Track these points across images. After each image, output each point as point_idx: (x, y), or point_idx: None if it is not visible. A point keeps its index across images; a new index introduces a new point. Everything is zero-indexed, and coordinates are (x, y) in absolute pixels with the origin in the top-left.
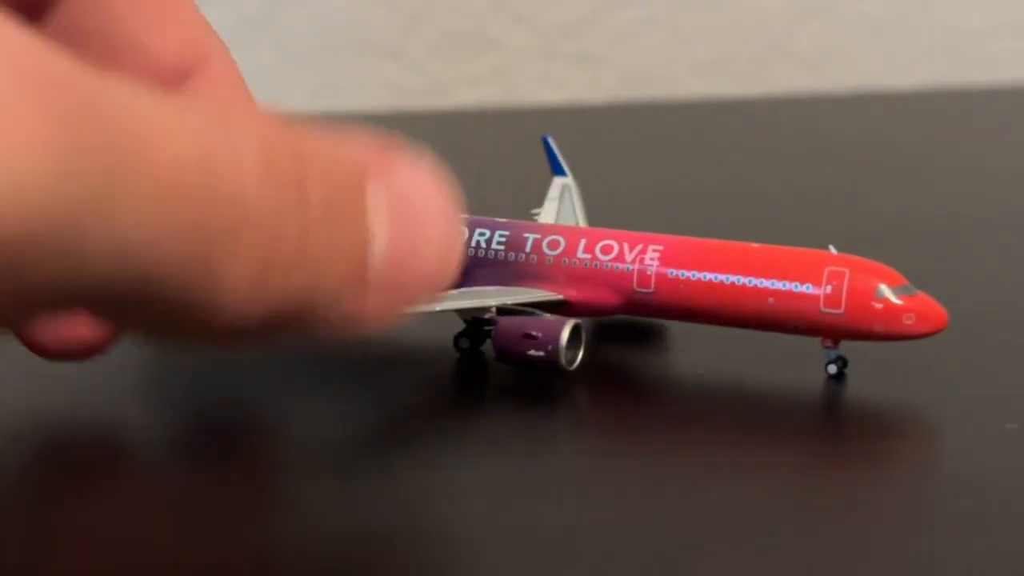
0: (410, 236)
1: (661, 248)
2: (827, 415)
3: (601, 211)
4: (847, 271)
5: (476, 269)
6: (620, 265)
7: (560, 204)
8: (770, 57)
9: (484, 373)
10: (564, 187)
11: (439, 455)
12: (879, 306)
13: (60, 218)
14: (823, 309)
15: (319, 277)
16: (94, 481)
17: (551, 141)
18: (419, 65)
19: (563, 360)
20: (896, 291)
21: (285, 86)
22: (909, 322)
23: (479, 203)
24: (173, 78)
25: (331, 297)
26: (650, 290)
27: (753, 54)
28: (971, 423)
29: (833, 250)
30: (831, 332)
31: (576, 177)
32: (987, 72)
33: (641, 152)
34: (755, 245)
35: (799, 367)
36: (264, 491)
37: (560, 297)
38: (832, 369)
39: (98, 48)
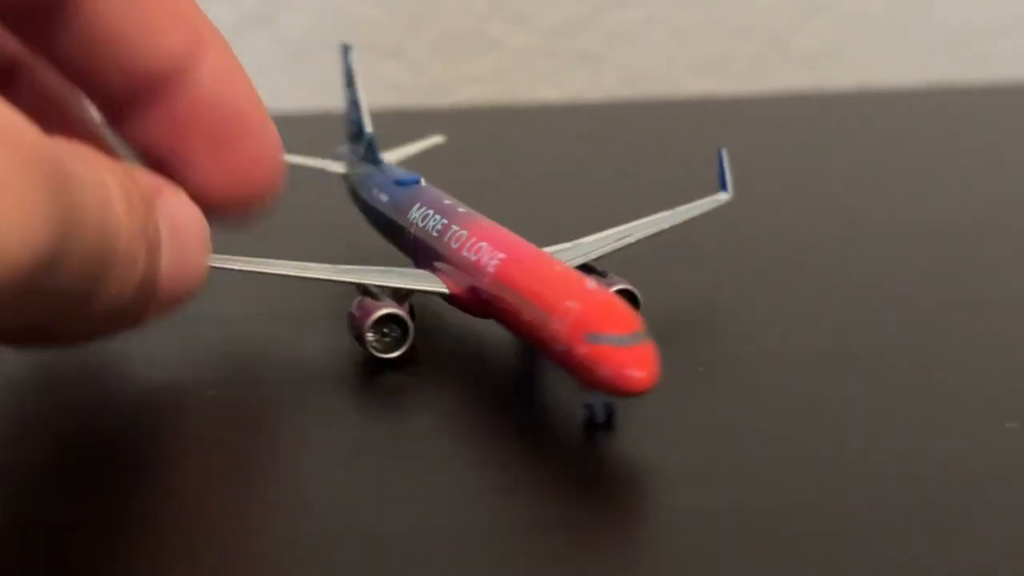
0: (182, 255)
1: (503, 256)
2: (818, 410)
3: (601, 210)
4: (575, 305)
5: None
6: (479, 264)
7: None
8: (770, 56)
9: None
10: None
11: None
12: (583, 350)
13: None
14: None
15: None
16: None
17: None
18: (419, 64)
19: (368, 347)
20: (613, 338)
21: (284, 85)
22: (607, 373)
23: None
24: (173, 71)
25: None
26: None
27: (753, 53)
28: (971, 422)
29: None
30: (566, 369)
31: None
32: (988, 71)
33: (641, 151)
34: (558, 265)
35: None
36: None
37: (444, 290)
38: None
39: (100, 51)
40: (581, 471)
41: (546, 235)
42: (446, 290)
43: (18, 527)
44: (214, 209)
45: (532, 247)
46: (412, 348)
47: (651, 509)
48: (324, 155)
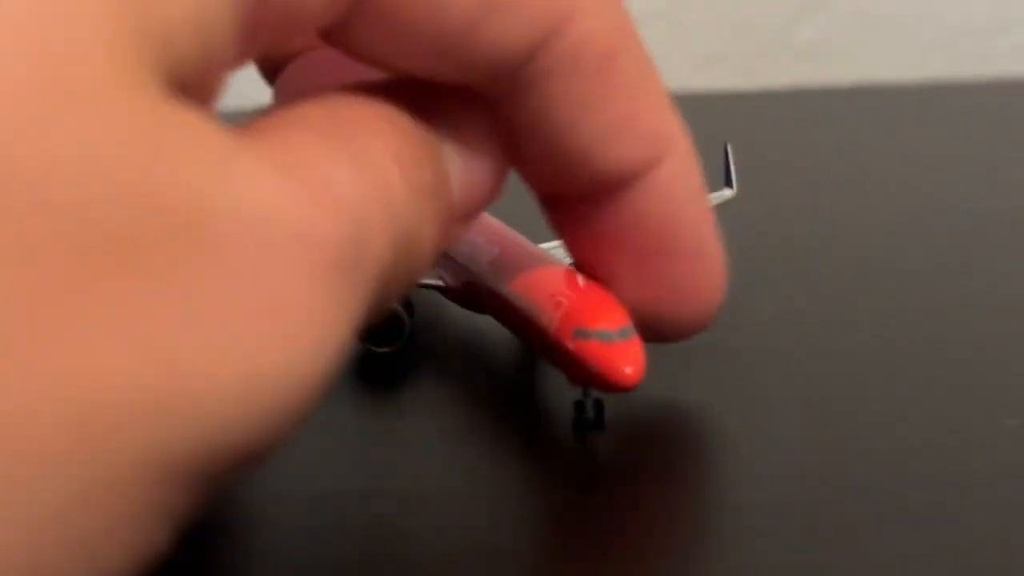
0: (469, 167)
1: (496, 251)
2: (818, 408)
3: None
4: (565, 300)
5: None
6: (474, 258)
7: None
8: (771, 51)
9: None
10: None
11: None
12: (572, 346)
13: None
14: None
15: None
16: None
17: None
18: None
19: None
20: (601, 334)
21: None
22: (595, 369)
23: None
24: (624, 179)
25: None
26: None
27: (754, 48)
28: (970, 419)
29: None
30: (556, 365)
31: None
32: (990, 67)
33: None
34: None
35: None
36: None
37: (440, 284)
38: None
39: (538, 155)
40: (575, 467)
41: (543, 232)
42: (442, 284)
43: None
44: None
45: (526, 242)
46: (409, 342)
47: (646, 505)
48: None
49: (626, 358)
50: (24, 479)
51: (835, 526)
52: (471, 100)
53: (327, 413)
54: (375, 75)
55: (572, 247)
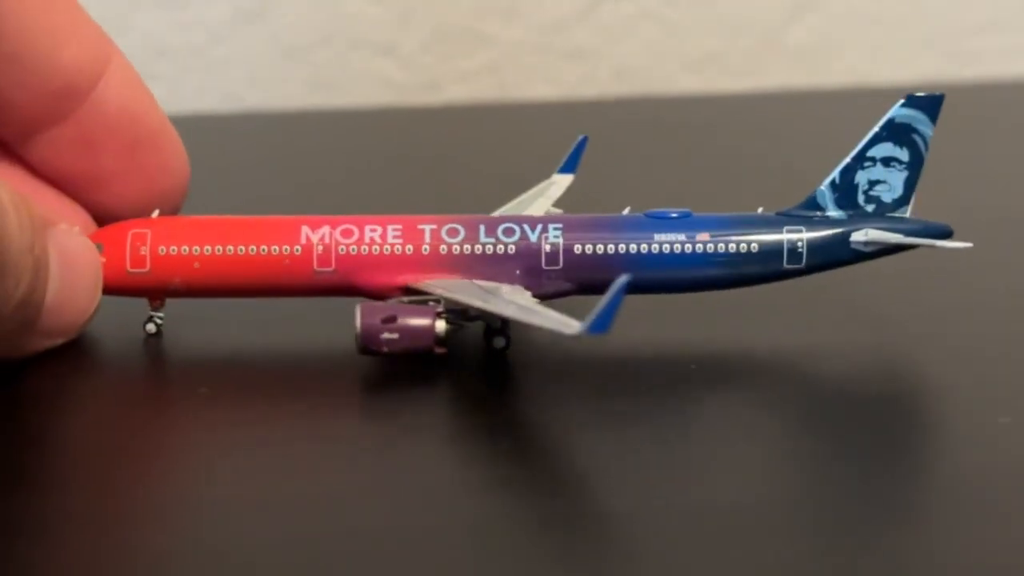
0: (70, 288)
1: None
2: (817, 407)
3: (593, 205)
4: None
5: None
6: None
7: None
8: (763, 52)
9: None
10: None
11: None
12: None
13: None
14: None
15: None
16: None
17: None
18: (412, 60)
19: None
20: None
21: (279, 81)
22: None
23: (470, 197)
24: (81, 86)
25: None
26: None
27: (746, 49)
28: (964, 417)
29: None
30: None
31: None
32: (979, 67)
33: (635, 147)
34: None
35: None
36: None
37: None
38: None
39: (5, 69)
40: (568, 468)
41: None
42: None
43: (6, 520)
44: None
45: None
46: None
47: (639, 506)
48: (316, 153)
49: None
50: None
51: (829, 521)
52: None
53: (322, 417)
54: None
55: (57, 172)
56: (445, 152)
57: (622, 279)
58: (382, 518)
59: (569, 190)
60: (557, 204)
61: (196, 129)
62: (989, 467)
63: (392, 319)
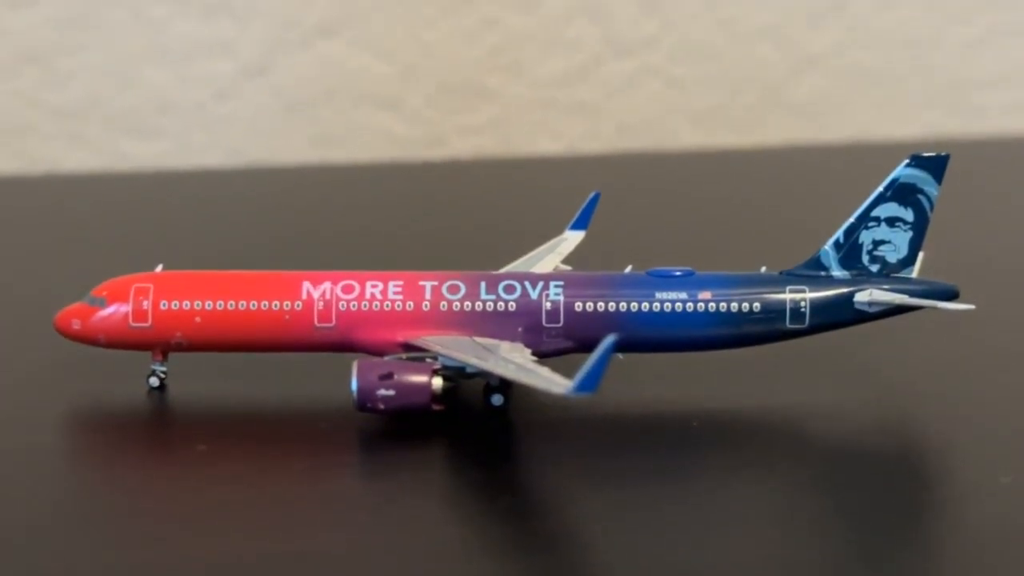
0: None
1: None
2: (817, 466)
3: (598, 260)
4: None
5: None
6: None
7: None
8: (766, 107)
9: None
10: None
11: None
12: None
13: None
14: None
15: None
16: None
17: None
18: (416, 115)
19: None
20: None
21: (283, 136)
22: None
23: (473, 253)
24: None
25: None
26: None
27: (748, 104)
28: (965, 476)
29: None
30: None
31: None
32: (985, 122)
33: (638, 202)
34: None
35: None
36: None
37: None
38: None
39: None
40: (566, 527)
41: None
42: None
43: None
44: None
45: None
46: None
47: (638, 566)
48: (318, 208)
49: None
50: None
51: None
52: None
53: (319, 474)
54: None
55: None
56: (449, 207)
57: (609, 339)
58: None
59: (578, 249)
60: (566, 260)
61: (199, 184)
62: (990, 527)
63: (389, 376)
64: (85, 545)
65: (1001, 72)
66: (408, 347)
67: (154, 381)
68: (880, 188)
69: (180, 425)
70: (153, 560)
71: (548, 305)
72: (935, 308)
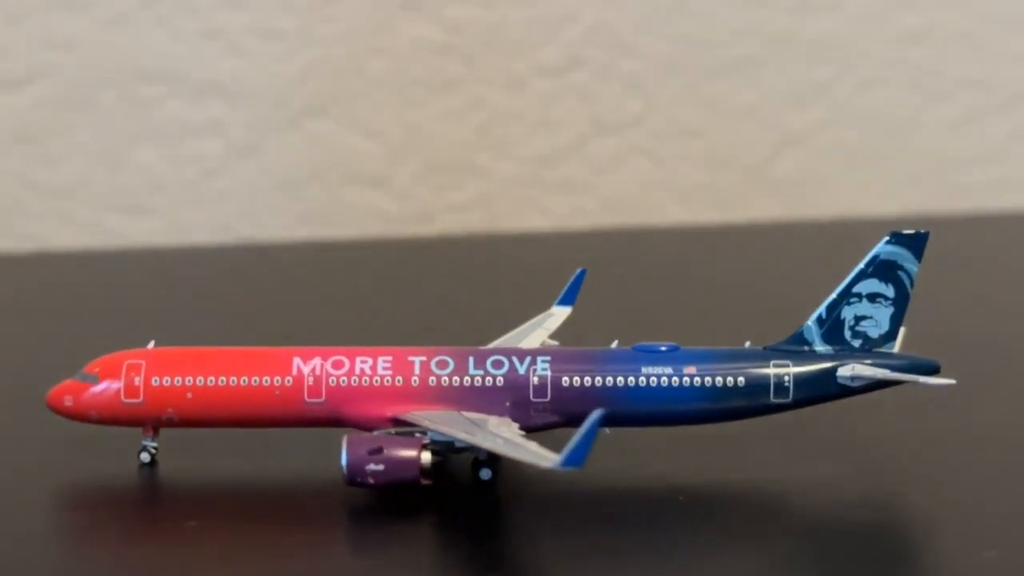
0: None
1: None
2: (802, 541)
3: (585, 336)
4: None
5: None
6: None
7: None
8: (750, 184)
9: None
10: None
11: None
12: None
13: None
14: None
15: None
16: None
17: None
18: (404, 192)
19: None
20: None
21: (272, 213)
22: None
23: (462, 328)
24: None
25: None
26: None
27: (733, 181)
28: (949, 550)
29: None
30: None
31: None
32: (965, 200)
33: (624, 278)
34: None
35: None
36: None
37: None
38: None
39: None
40: None
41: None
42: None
43: None
44: None
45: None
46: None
47: None
48: (308, 284)
49: None
50: None
51: None
52: None
53: (312, 552)
54: None
55: None
56: (437, 283)
57: (596, 413)
58: None
59: (564, 325)
60: (554, 336)
61: (189, 262)
62: None
63: (378, 451)
64: None
65: (981, 150)
66: (397, 422)
67: (145, 457)
68: (861, 264)
69: (169, 501)
70: None
71: (535, 380)
72: (916, 383)
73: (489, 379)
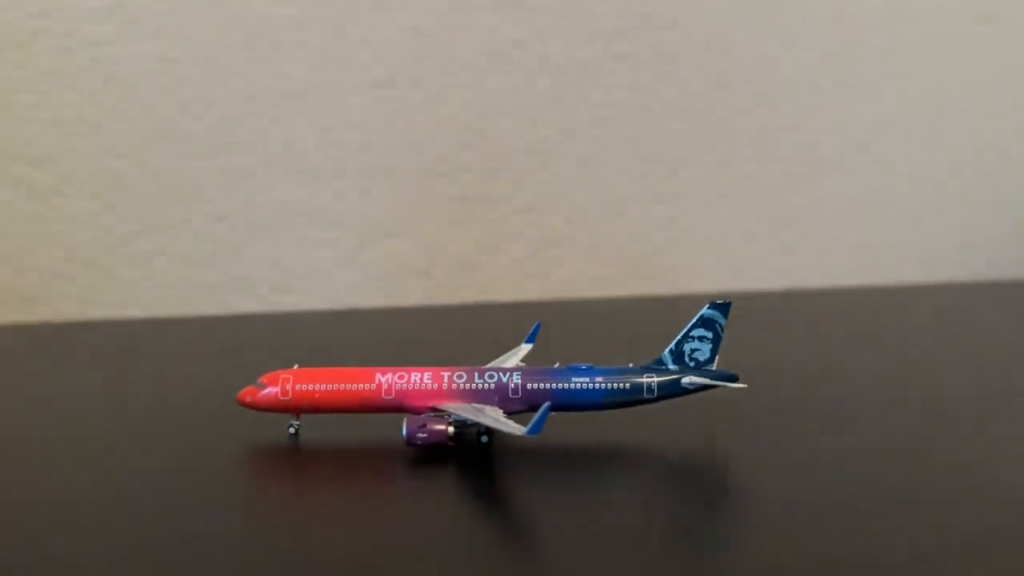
0: None
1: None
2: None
3: (541, 360)
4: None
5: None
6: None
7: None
8: (636, 276)
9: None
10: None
11: None
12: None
13: None
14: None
15: None
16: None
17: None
18: (440, 282)
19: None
20: None
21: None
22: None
23: (470, 357)
24: None
25: None
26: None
27: (620, 272)
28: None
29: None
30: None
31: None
32: (762, 282)
33: (562, 328)
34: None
35: None
36: None
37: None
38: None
39: None
40: (529, 515)
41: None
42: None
43: None
44: None
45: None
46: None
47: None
48: (382, 337)
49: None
50: None
51: None
52: None
53: None
54: None
55: None
56: (458, 336)
57: (546, 404)
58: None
59: (529, 354)
60: (524, 360)
61: (327, 322)
62: None
63: (423, 426)
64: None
65: (772, 248)
66: (434, 409)
67: (292, 430)
68: (694, 319)
69: (305, 454)
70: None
71: (512, 385)
72: (726, 387)
73: (486, 385)
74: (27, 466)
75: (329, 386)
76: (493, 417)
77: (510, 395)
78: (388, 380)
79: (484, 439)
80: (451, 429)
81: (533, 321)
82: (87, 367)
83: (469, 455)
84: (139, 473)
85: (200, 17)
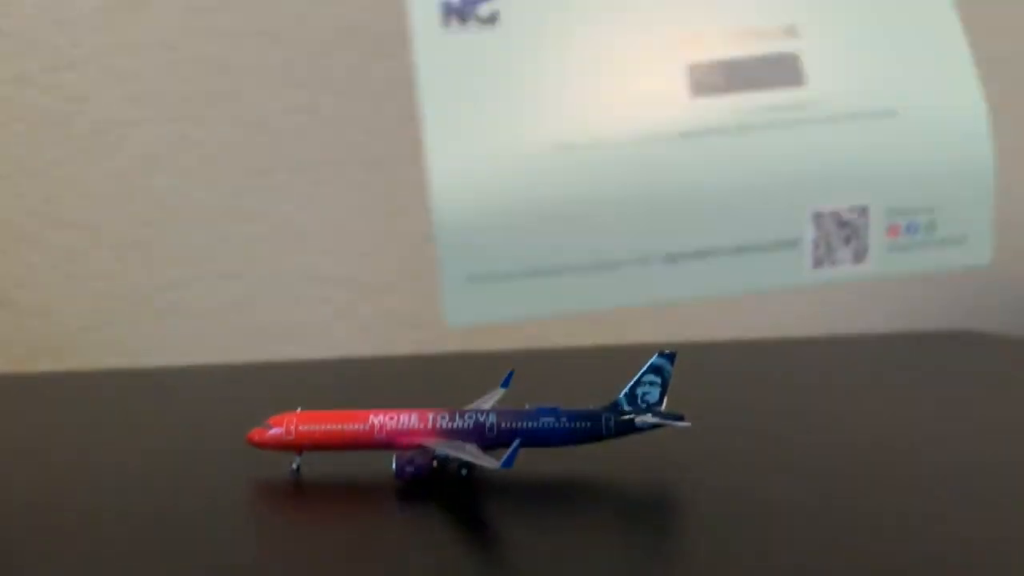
0: None
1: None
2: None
3: (514, 401)
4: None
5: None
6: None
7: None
8: (598, 324)
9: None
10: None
11: None
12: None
13: None
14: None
15: None
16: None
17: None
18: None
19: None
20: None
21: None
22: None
23: (452, 399)
24: None
25: None
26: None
27: (585, 319)
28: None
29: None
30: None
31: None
32: (703, 333)
33: (531, 375)
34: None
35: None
36: None
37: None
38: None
39: None
40: (508, 541)
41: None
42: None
43: None
44: None
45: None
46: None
47: None
48: (376, 386)
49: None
50: None
51: None
52: None
53: None
54: None
55: None
56: (444, 382)
57: (517, 441)
58: None
59: (503, 397)
60: (499, 402)
61: (328, 370)
62: None
63: (411, 460)
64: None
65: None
66: (420, 446)
67: (294, 465)
68: (645, 367)
69: (306, 487)
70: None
71: (488, 424)
72: (673, 426)
73: (465, 424)
74: (63, 496)
75: (327, 426)
76: (472, 453)
77: (487, 433)
78: (380, 420)
79: (464, 472)
80: (435, 463)
81: (507, 369)
82: (113, 410)
83: (451, 486)
84: (160, 499)
85: (217, 105)
